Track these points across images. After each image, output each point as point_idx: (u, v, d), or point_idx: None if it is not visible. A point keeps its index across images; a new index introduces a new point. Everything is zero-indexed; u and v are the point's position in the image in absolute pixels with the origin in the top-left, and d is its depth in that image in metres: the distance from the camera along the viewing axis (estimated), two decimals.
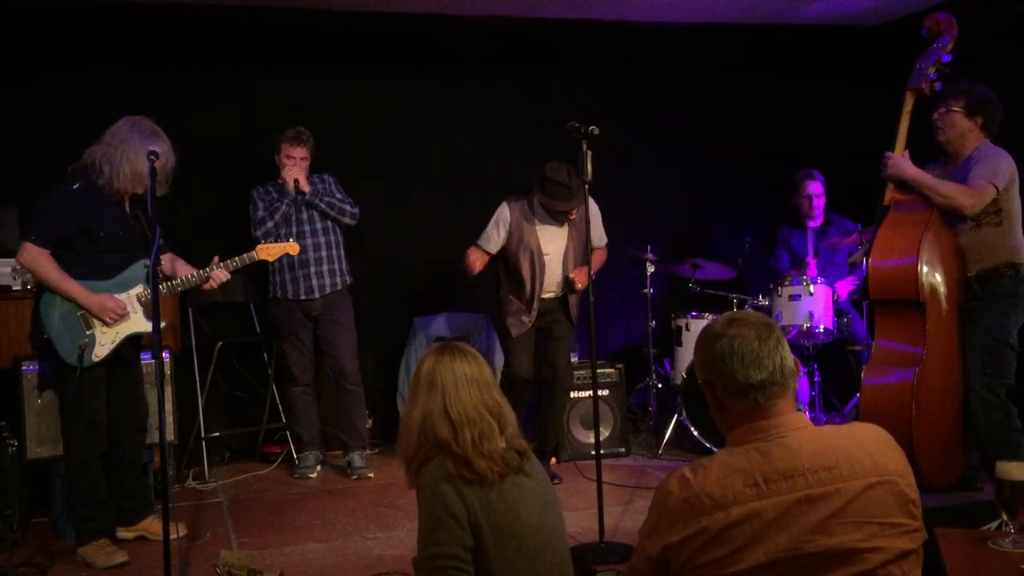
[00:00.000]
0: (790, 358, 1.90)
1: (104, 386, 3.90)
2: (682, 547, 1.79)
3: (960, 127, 4.19)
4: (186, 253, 4.24)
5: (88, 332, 3.79)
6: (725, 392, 1.90)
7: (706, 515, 1.77)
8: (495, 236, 4.77)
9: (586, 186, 4.00)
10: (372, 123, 5.87)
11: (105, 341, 3.82)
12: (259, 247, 4.26)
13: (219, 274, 4.01)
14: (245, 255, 4.15)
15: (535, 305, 4.76)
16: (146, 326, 3.90)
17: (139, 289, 3.90)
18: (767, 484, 1.78)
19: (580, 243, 4.75)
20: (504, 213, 4.77)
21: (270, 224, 4.98)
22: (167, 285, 3.95)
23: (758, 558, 1.75)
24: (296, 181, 4.94)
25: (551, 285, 4.80)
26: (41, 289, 3.82)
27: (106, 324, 3.81)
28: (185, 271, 4.03)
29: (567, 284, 4.78)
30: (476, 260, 4.82)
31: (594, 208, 4.71)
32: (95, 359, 3.80)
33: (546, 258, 4.75)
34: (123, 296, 3.86)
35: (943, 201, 4.10)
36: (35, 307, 3.84)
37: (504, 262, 4.84)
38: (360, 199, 5.25)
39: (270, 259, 4.32)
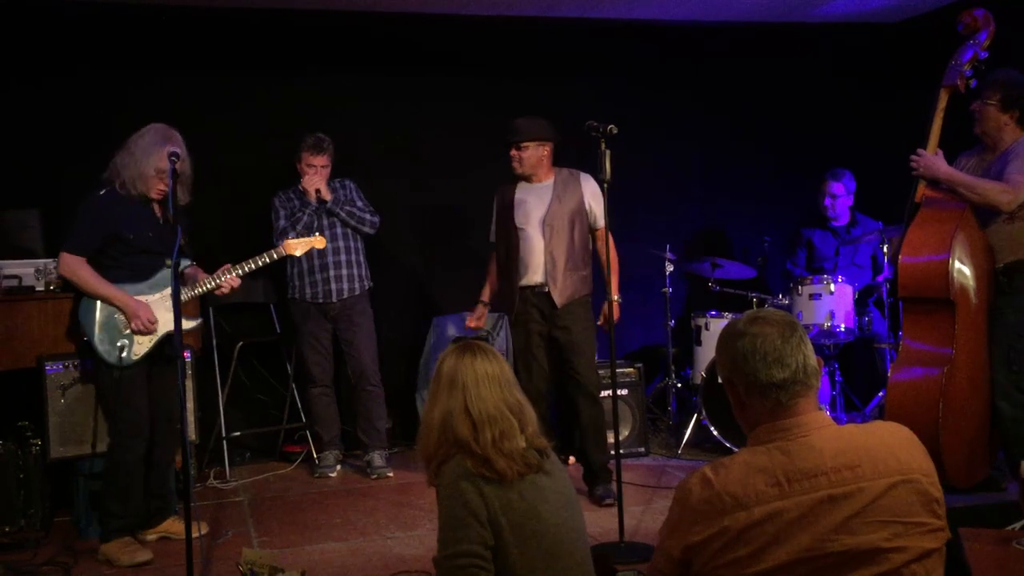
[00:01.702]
0: (813, 357, 1.89)
1: (144, 386, 3.95)
2: (704, 547, 1.78)
3: (996, 121, 4.13)
4: (208, 255, 4.26)
5: (126, 331, 3.89)
6: (747, 391, 1.89)
7: (728, 515, 1.76)
8: (492, 224, 4.81)
9: (605, 184, 3.99)
10: (388, 123, 5.88)
11: (142, 340, 3.91)
12: (286, 243, 4.35)
13: (230, 280, 4.06)
14: (272, 251, 4.24)
15: (516, 289, 4.55)
16: (183, 324, 3.96)
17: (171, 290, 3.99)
18: (789, 484, 1.77)
19: (562, 214, 4.51)
20: (494, 202, 4.81)
21: (292, 235, 5.01)
22: (193, 287, 4.04)
23: (780, 558, 1.74)
24: (317, 191, 4.97)
25: (535, 268, 4.53)
26: (79, 294, 3.90)
27: (136, 331, 3.89)
28: (202, 277, 4.10)
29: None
30: (491, 265, 4.83)
31: (591, 187, 4.58)
32: (134, 357, 3.89)
33: (526, 230, 4.57)
34: (157, 296, 3.95)
35: (979, 199, 4.03)
36: (72, 312, 3.94)
37: (497, 257, 4.79)
38: (377, 200, 5.27)
39: (298, 253, 4.39)
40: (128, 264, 3.92)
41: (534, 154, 4.59)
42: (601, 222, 4.59)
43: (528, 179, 4.65)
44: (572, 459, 5.14)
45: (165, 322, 3.92)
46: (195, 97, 5.45)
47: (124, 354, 3.86)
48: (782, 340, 1.86)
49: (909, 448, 1.86)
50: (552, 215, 4.55)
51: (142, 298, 3.92)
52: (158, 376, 4.02)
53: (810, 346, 1.90)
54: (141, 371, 3.94)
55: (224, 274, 4.04)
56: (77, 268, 3.85)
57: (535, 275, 4.55)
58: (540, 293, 4.55)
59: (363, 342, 5.16)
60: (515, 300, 4.58)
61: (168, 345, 3.99)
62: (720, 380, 1.99)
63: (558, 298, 4.51)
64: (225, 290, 4.07)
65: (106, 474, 3.98)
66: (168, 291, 3.94)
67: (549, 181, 4.65)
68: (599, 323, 4.61)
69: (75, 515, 4.31)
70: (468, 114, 5.99)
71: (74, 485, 4.30)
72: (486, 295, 4.86)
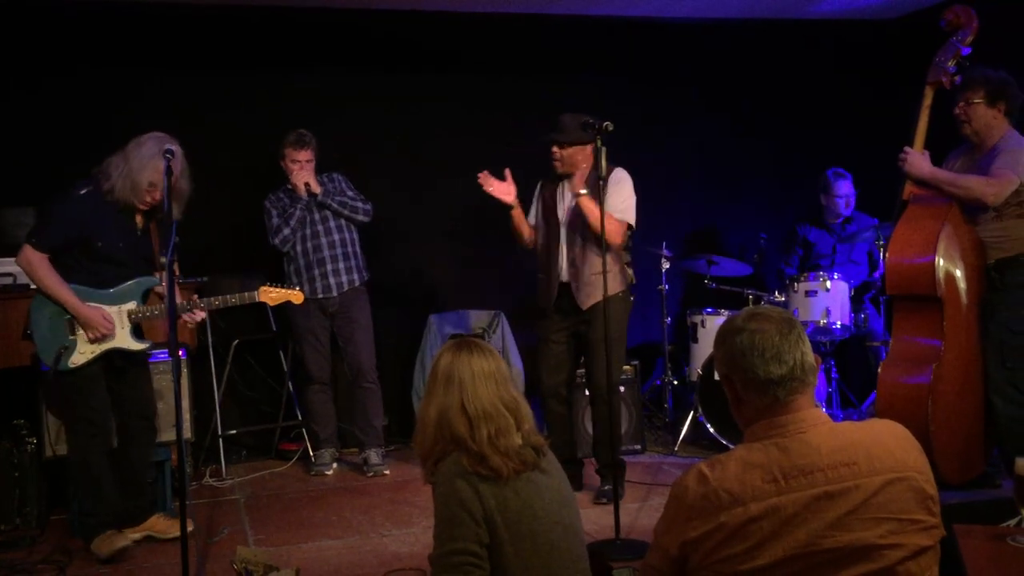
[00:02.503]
0: (811, 354, 1.89)
1: (100, 384, 3.89)
2: (700, 543, 1.79)
3: (984, 118, 4.13)
4: (208, 253, 4.23)
5: (71, 338, 3.81)
6: (744, 387, 1.89)
7: (724, 511, 1.77)
8: (532, 208, 4.69)
9: (601, 182, 3.98)
10: (388, 121, 5.87)
11: (84, 350, 3.83)
12: (261, 289, 4.23)
13: (195, 315, 4.00)
14: (245, 294, 4.15)
15: (554, 283, 4.50)
16: (132, 344, 3.93)
17: (132, 305, 3.91)
18: (786, 480, 1.77)
19: (589, 215, 4.35)
20: (537, 187, 4.69)
21: (287, 231, 5.01)
22: (153, 308, 3.94)
23: (776, 554, 1.74)
24: (307, 184, 4.96)
25: (562, 268, 4.50)
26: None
27: (92, 340, 3.82)
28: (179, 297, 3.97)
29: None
30: (514, 207, 4.62)
31: (615, 178, 4.40)
32: (71, 365, 3.81)
33: (558, 229, 4.50)
34: (114, 310, 3.87)
35: (965, 194, 4.05)
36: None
37: (536, 245, 4.68)
38: (373, 197, 5.26)
39: (271, 303, 4.29)
40: (91, 270, 3.84)
41: (575, 153, 4.42)
42: (617, 214, 4.39)
43: (569, 177, 4.51)
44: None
45: (116, 339, 3.87)
46: (195, 96, 5.44)
47: (60, 360, 3.77)
48: (780, 336, 1.87)
49: (905, 446, 1.86)
50: (576, 216, 4.45)
51: (97, 306, 3.83)
52: (123, 380, 3.97)
53: (808, 343, 1.90)
54: (94, 372, 3.86)
55: (190, 305, 3.99)
56: (36, 264, 3.76)
57: (563, 275, 4.51)
58: (568, 291, 4.49)
59: (361, 339, 5.15)
60: (553, 293, 4.51)
61: (117, 359, 3.93)
62: (717, 376, 2.00)
63: (583, 302, 4.44)
64: (187, 322, 4.03)
65: (73, 475, 3.95)
66: (128, 307, 3.90)
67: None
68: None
69: (71, 513, 4.30)
70: (468, 112, 5.98)
71: (69, 483, 4.28)
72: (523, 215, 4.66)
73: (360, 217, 5.14)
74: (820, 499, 1.76)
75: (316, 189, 4.99)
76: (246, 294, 4.14)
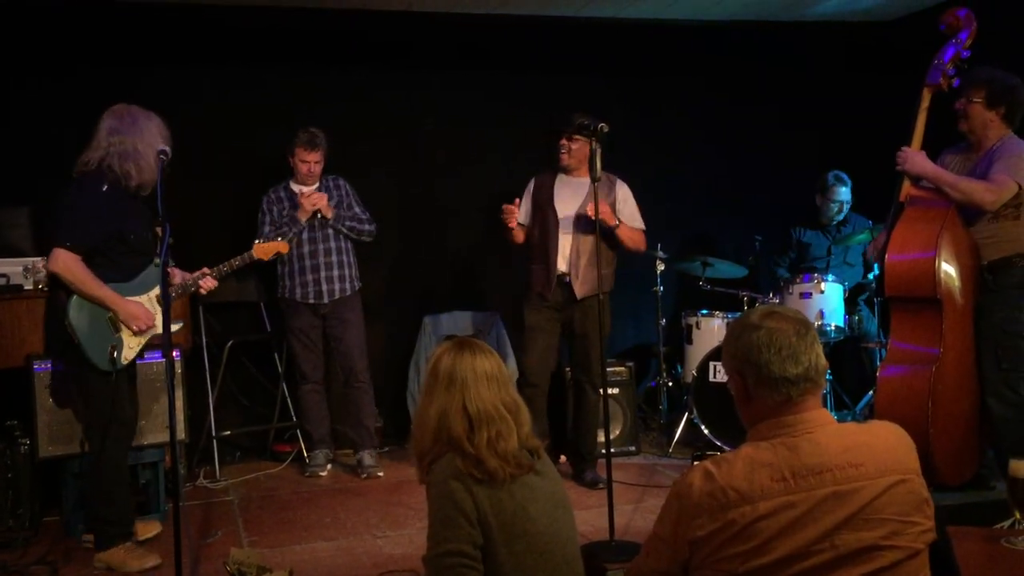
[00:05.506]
0: (823, 356, 1.91)
1: (127, 383, 3.89)
2: (705, 542, 1.79)
3: (981, 118, 4.12)
4: (191, 251, 4.25)
5: (117, 335, 3.77)
6: (756, 383, 1.89)
7: (733, 509, 1.77)
8: (524, 206, 4.85)
9: (595, 183, 3.99)
10: (380, 119, 5.87)
11: (132, 344, 3.81)
12: (256, 246, 4.38)
13: (206, 282, 4.05)
14: (245, 254, 4.28)
15: (553, 274, 4.69)
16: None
17: (157, 291, 3.86)
18: (795, 479, 1.78)
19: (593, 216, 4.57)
20: (530, 184, 4.89)
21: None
22: (176, 289, 3.95)
23: (781, 553, 1.74)
24: (318, 210, 4.96)
25: (562, 259, 4.70)
26: (56, 294, 3.74)
27: (136, 332, 3.80)
28: (182, 279, 4.00)
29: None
30: (515, 227, 4.84)
31: (623, 192, 4.81)
32: (124, 361, 3.78)
33: (560, 220, 4.70)
34: (143, 298, 3.84)
35: (963, 198, 4.04)
36: (51, 312, 3.78)
37: (529, 238, 4.86)
38: (368, 197, 5.26)
39: (265, 258, 4.41)
40: (119, 264, 3.77)
41: (582, 149, 4.65)
42: (634, 224, 4.80)
43: (568, 171, 4.75)
44: (563, 458, 5.13)
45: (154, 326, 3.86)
46: (193, 93, 5.43)
47: (115, 356, 3.72)
48: (797, 337, 1.88)
49: (905, 448, 1.88)
50: (583, 213, 4.66)
51: (133, 299, 3.80)
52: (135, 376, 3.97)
53: (820, 346, 1.91)
54: (127, 372, 3.85)
55: (202, 277, 4.02)
56: (73, 265, 3.63)
57: (561, 265, 4.70)
58: (563, 282, 4.71)
59: (352, 338, 5.14)
60: (552, 283, 4.70)
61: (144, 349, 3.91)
62: (723, 373, 2.00)
63: (579, 290, 4.67)
64: (203, 291, 4.06)
65: (94, 480, 3.82)
66: (153, 292, 3.86)
67: (587, 179, 4.62)
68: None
69: (64, 515, 4.29)
70: (463, 112, 5.98)
71: (63, 484, 4.28)
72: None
73: (364, 239, 5.17)
74: (829, 499, 1.77)
75: (328, 214, 5.00)
76: (245, 254, 4.31)
